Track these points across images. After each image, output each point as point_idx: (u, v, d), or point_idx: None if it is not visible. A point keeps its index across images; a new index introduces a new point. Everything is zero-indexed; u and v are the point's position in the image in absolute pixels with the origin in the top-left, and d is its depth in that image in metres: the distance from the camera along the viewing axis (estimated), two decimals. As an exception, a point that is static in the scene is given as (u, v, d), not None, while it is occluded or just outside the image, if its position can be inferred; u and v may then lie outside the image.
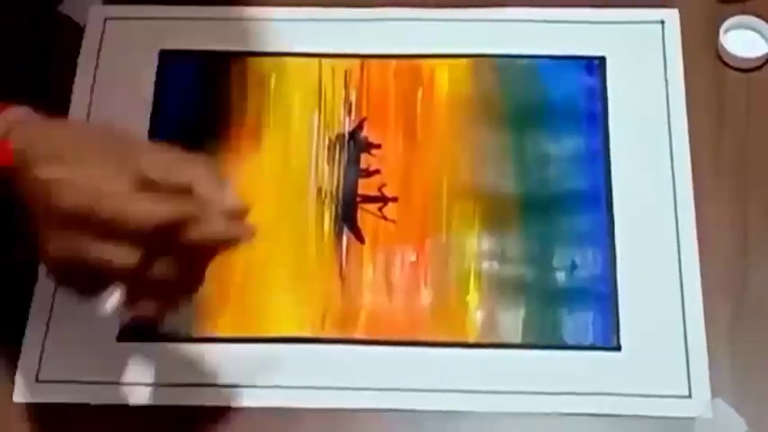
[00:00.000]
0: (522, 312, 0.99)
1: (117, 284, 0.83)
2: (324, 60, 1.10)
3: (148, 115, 1.08)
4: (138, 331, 0.96)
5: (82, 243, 0.81)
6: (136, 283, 0.82)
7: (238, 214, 0.83)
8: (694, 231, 1.01)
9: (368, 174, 1.05)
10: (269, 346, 0.97)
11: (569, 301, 0.99)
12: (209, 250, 0.84)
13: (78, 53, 1.11)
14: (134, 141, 0.87)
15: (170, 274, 0.82)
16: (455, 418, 0.95)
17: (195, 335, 0.98)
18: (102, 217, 0.80)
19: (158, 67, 1.10)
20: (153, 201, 0.81)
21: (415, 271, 1.01)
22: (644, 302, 0.98)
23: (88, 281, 0.83)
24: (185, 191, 0.82)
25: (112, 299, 0.84)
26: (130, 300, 0.83)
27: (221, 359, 0.97)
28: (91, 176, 0.81)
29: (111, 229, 0.80)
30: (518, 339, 0.98)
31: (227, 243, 0.83)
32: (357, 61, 1.10)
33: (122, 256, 0.80)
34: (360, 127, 1.07)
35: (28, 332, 0.98)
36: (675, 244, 1.00)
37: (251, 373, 0.96)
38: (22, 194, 0.83)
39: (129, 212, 0.80)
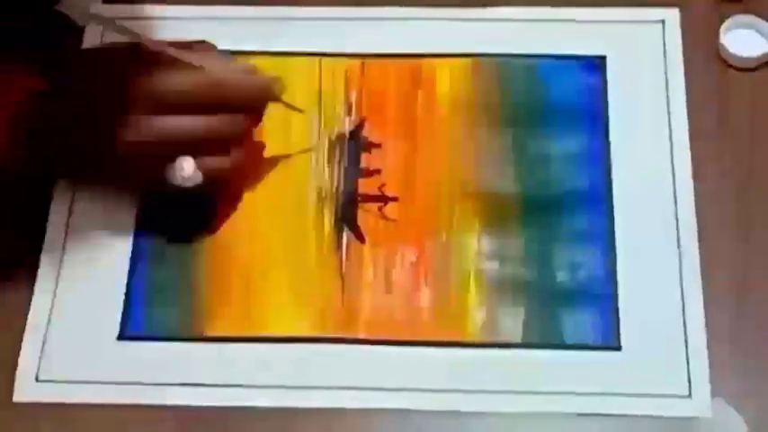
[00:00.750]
0: (522, 312, 0.98)
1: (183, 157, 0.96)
2: (324, 60, 1.10)
3: (148, 115, 1.08)
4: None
5: (147, 120, 0.95)
6: (197, 148, 0.96)
7: (254, 70, 1.00)
8: (695, 231, 1.01)
9: (368, 173, 1.05)
10: (269, 345, 0.97)
11: (569, 300, 0.99)
12: (248, 105, 0.99)
13: (78, 53, 1.11)
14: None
15: (222, 132, 0.97)
16: (455, 418, 0.94)
17: (196, 334, 0.98)
18: (165, 95, 0.95)
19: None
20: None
21: (415, 271, 1.01)
22: (644, 302, 0.98)
23: (157, 158, 0.96)
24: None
25: (182, 167, 0.96)
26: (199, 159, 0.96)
27: (221, 359, 0.97)
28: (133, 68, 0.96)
29: (168, 103, 0.95)
30: (518, 339, 0.98)
31: (260, 96, 1.00)
32: (357, 61, 1.10)
33: (191, 122, 0.96)
34: (360, 126, 1.07)
35: (27, 332, 0.98)
36: (676, 244, 1.00)
37: (251, 373, 0.96)
38: (83, 96, 0.96)
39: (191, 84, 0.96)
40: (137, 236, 1.02)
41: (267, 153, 1.05)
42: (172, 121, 0.95)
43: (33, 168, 0.98)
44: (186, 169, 0.96)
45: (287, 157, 1.05)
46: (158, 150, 0.96)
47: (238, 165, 0.99)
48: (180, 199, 1.00)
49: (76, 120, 0.96)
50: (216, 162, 0.97)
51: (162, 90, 0.95)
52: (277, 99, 1.01)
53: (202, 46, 1.00)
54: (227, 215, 1.02)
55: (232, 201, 1.03)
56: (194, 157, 0.96)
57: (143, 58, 0.96)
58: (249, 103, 0.99)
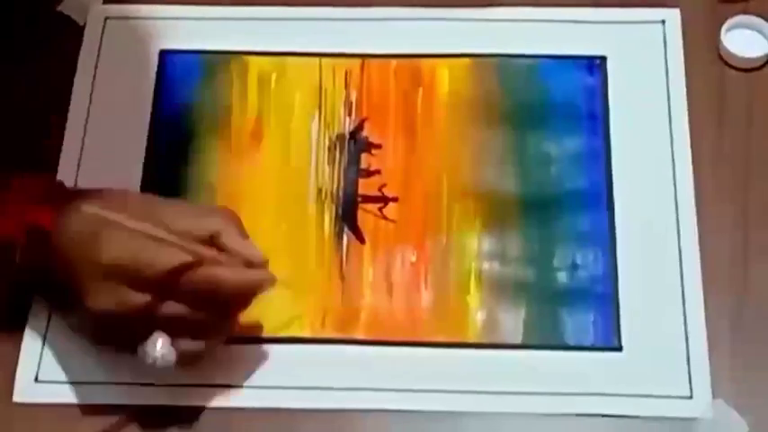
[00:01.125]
0: (522, 312, 0.98)
1: (157, 332, 0.90)
2: (324, 60, 1.10)
3: (148, 115, 1.07)
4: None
5: (124, 293, 0.88)
6: (175, 329, 0.89)
7: (259, 264, 0.91)
8: (695, 231, 1.01)
9: (368, 174, 1.05)
10: (269, 345, 0.97)
11: (570, 301, 0.99)
12: (238, 299, 0.91)
13: (78, 53, 1.11)
14: (156, 198, 0.94)
15: (204, 320, 0.90)
16: (455, 418, 0.94)
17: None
18: (143, 269, 0.87)
19: (158, 66, 1.10)
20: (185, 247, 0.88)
21: (415, 271, 1.00)
22: (645, 303, 0.98)
23: (130, 330, 0.90)
24: (210, 240, 0.90)
25: (155, 345, 0.89)
26: (173, 341, 0.90)
27: (222, 359, 0.97)
28: (129, 231, 0.88)
29: (153, 280, 0.87)
30: (519, 340, 0.97)
31: (250, 290, 0.91)
32: (357, 61, 1.10)
33: (166, 308, 0.88)
34: (360, 127, 1.07)
35: (27, 332, 0.98)
36: (676, 244, 1.00)
37: (251, 373, 0.96)
38: (61, 253, 0.90)
39: (166, 262, 0.88)
40: None
41: (267, 153, 1.05)
42: (150, 301, 0.88)
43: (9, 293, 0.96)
44: (161, 348, 0.89)
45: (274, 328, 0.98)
46: (130, 324, 0.89)
47: (213, 349, 0.93)
48: None
49: (53, 269, 0.91)
50: (194, 347, 0.91)
51: (146, 267, 0.88)
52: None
53: (221, 212, 0.94)
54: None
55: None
56: (171, 336, 0.90)
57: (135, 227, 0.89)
58: (241, 299, 0.92)
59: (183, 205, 0.96)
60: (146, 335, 0.90)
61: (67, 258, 0.90)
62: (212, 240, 0.90)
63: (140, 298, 0.88)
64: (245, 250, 0.91)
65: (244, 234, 0.93)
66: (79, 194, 0.93)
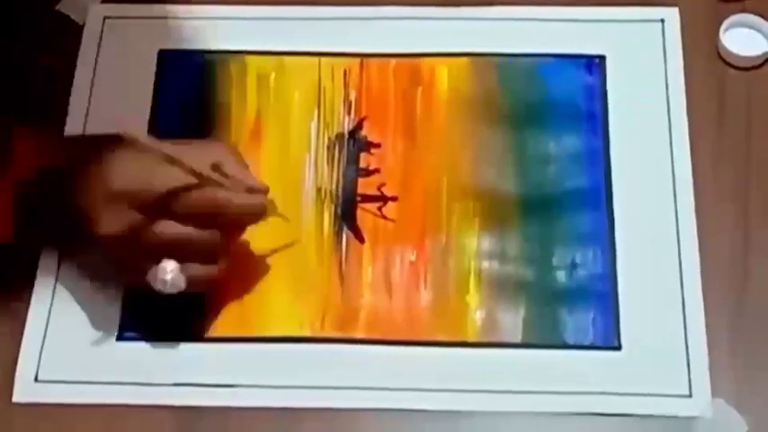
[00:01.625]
0: (522, 312, 0.98)
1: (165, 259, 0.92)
2: (323, 59, 1.10)
3: (147, 115, 1.07)
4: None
5: (134, 216, 0.91)
6: (182, 254, 0.92)
7: (260, 190, 0.95)
8: (695, 230, 1.01)
9: (367, 173, 1.05)
10: (269, 345, 0.97)
11: (569, 300, 0.99)
12: (238, 223, 0.95)
13: (77, 53, 1.11)
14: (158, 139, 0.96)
15: (208, 243, 0.93)
16: (455, 418, 0.94)
17: (195, 335, 0.98)
18: (152, 192, 0.91)
19: (158, 66, 1.10)
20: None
21: (414, 270, 1.00)
22: (644, 302, 0.98)
23: (139, 258, 0.93)
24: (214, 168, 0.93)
25: (165, 270, 0.92)
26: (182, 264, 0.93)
27: (221, 359, 0.97)
28: (135, 161, 0.92)
29: (161, 202, 0.91)
30: (518, 339, 0.97)
31: (251, 214, 0.94)
32: (356, 60, 1.10)
33: (172, 228, 0.92)
34: (359, 126, 1.07)
35: (27, 332, 0.98)
36: (676, 243, 1.00)
37: (251, 373, 0.96)
38: (72, 187, 0.93)
39: (174, 182, 0.91)
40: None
41: (267, 152, 1.05)
42: (159, 225, 0.92)
43: (29, 241, 0.98)
44: (170, 273, 0.92)
45: (272, 253, 1.01)
46: (141, 250, 0.93)
47: (223, 275, 0.95)
48: (166, 302, 0.95)
49: (71, 202, 0.94)
50: (201, 270, 0.94)
51: (155, 191, 0.92)
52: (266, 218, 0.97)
53: (221, 144, 0.98)
54: (213, 320, 0.99)
55: (220, 306, 0.99)
56: (180, 262, 0.93)
57: (143, 153, 0.92)
58: (242, 222, 0.96)
59: (185, 140, 0.97)
60: (155, 261, 0.92)
61: (78, 191, 0.93)
62: (215, 170, 0.93)
63: (149, 221, 0.92)
64: (246, 178, 0.95)
65: (244, 164, 0.96)
66: (84, 136, 1.01)
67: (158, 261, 0.92)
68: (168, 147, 0.92)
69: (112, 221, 0.92)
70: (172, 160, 0.91)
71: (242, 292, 0.99)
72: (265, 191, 0.95)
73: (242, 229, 0.96)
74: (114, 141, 0.93)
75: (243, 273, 0.99)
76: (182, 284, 0.93)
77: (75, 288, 1.00)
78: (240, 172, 0.95)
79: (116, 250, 0.94)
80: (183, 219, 0.92)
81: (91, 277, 1.00)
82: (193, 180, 0.92)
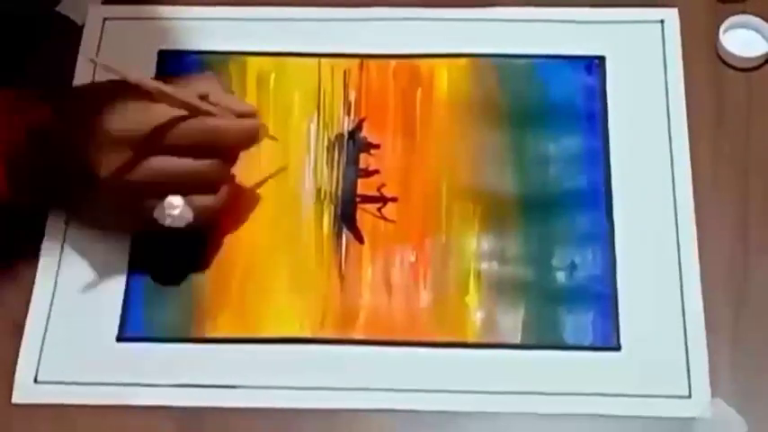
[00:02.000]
0: (521, 312, 0.98)
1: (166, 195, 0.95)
2: (323, 60, 1.10)
3: (147, 115, 1.08)
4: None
5: (134, 157, 0.93)
6: (185, 187, 0.95)
7: (250, 114, 0.98)
8: (694, 231, 1.01)
9: (367, 174, 1.05)
10: (269, 346, 0.97)
11: (569, 301, 0.99)
12: (234, 149, 0.98)
13: (77, 53, 1.11)
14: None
15: (208, 171, 0.95)
16: (455, 418, 0.94)
17: (195, 335, 0.98)
18: (150, 132, 0.93)
19: (157, 67, 1.10)
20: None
21: (414, 271, 1.01)
22: (644, 302, 0.98)
23: (144, 198, 0.95)
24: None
25: (171, 204, 0.95)
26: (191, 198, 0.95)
27: (221, 359, 0.97)
28: (129, 103, 0.94)
29: (160, 142, 0.93)
30: (518, 339, 0.97)
31: (246, 137, 0.97)
32: (356, 61, 1.10)
33: (172, 162, 0.94)
34: (359, 127, 1.07)
35: (26, 333, 0.98)
36: (675, 244, 1.00)
37: (251, 374, 0.96)
38: (68, 140, 0.95)
39: (167, 116, 0.94)
40: (134, 238, 1.02)
41: (266, 153, 1.05)
42: (159, 162, 0.94)
43: (26, 199, 0.98)
44: (177, 207, 0.95)
45: (262, 182, 1.04)
46: (145, 189, 0.95)
47: (226, 203, 0.98)
48: (168, 240, 0.99)
49: (67, 155, 0.95)
50: (206, 200, 0.96)
51: (150, 129, 0.94)
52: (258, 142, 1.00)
53: (204, 77, 1.00)
54: (214, 254, 1.01)
55: (218, 240, 1.02)
56: (183, 195, 0.95)
57: (132, 95, 0.94)
58: (235, 148, 0.98)
59: (169, 77, 0.98)
60: (160, 198, 0.94)
61: (77, 144, 0.94)
62: (203, 100, 0.96)
63: (149, 159, 0.93)
64: (234, 103, 0.98)
65: (230, 91, 1.01)
66: (74, 87, 1.05)
67: (162, 198, 0.94)
68: (156, 83, 0.94)
69: (114, 165, 0.94)
70: (163, 94, 0.93)
71: (237, 223, 1.02)
72: (256, 113, 0.98)
73: (236, 156, 0.98)
74: (106, 87, 0.95)
75: (236, 204, 1.01)
76: (189, 216, 0.95)
77: (76, 288, 1.00)
78: (227, 98, 0.98)
79: (120, 194, 0.96)
80: (181, 152, 0.94)
81: (96, 232, 1.02)
82: (185, 112, 0.94)
